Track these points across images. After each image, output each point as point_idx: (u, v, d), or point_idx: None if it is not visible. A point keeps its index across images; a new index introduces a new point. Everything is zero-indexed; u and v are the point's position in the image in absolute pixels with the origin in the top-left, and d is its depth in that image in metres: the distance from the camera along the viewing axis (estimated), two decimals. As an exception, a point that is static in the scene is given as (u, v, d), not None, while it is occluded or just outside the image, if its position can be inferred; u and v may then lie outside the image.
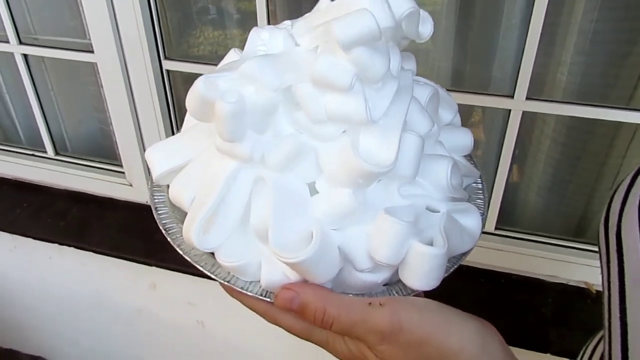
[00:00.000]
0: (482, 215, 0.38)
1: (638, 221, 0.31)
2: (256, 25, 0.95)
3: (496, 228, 1.02)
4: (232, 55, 0.41)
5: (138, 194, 1.21)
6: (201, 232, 0.34)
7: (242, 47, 1.08)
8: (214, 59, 1.09)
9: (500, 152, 0.94)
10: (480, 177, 0.43)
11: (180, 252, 0.36)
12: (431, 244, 0.33)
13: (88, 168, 1.25)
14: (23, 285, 1.43)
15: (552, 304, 0.98)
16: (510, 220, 1.04)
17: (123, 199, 1.24)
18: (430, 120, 0.36)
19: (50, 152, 1.28)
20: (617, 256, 0.33)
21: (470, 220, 0.37)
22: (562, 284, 0.99)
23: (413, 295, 0.34)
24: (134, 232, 1.19)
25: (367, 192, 0.34)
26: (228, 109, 0.31)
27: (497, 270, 1.02)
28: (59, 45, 1.12)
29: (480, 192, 0.42)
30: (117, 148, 1.19)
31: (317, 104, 0.33)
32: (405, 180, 0.35)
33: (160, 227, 0.38)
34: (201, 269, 0.35)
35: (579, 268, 0.97)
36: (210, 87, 0.33)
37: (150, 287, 1.25)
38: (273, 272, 0.34)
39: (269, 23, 0.92)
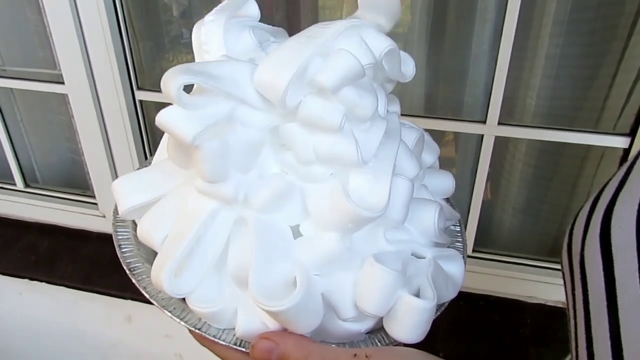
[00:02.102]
0: (463, 259, 0.37)
1: (600, 250, 0.31)
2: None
3: (473, 250, 1.02)
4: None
5: (111, 225, 1.18)
6: (172, 276, 0.31)
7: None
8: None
9: (475, 175, 0.95)
10: (459, 220, 0.42)
11: (147, 296, 0.34)
12: (418, 294, 0.32)
13: (59, 200, 1.22)
14: (-8, 321, 1.38)
15: (530, 324, 0.98)
16: (486, 242, 1.05)
17: (96, 231, 1.21)
18: (418, 164, 0.36)
19: (19, 184, 1.25)
20: (581, 285, 0.33)
21: (454, 267, 0.36)
22: (540, 304, 1.00)
23: (395, 345, 0.33)
24: (107, 265, 1.16)
25: (353, 237, 0.32)
26: (210, 148, 0.29)
27: (476, 292, 1.02)
28: (28, 76, 1.10)
29: (459, 234, 0.41)
30: (90, 179, 1.16)
31: (306, 145, 0.31)
32: (393, 224, 0.34)
33: (124, 267, 0.35)
34: (169, 315, 0.33)
35: (556, 288, 0.98)
36: (186, 121, 0.29)
37: (126, 320, 1.21)
38: (250, 320, 0.32)
39: None
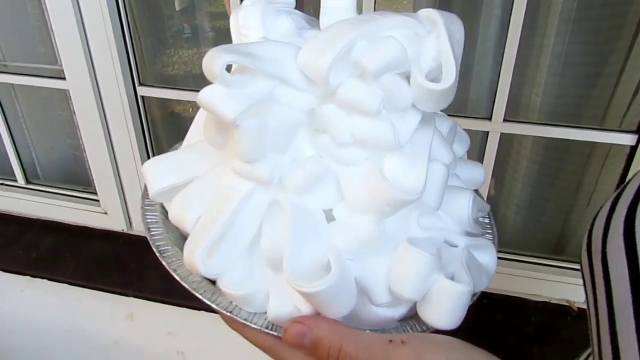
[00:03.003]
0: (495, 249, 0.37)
1: (624, 248, 0.31)
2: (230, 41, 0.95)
3: (477, 248, 1.02)
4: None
5: (113, 222, 1.18)
6: (206, 257, 0.31)
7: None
8: (188, 78, 1.08)
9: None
10: (489, 212, 0.41)
11: (177, 278, 0.33)
12: (453, 280, 0.31)
13: (61, 196, 1.22)
14: (-8, 319, 1.38)
15: (535, 323, 0.98)
16: (491, 239, 1.05)
17: (98, 228, 1.20)
18: (451, 152, 0.35)
19: (20, 180, 1.25)
20: (604, 282, 0.33)
21: (487, 257, 0.35)
22: (544, 302, 1.00)
23: (430, 332, 0.32)
24: (109, 262, 1.15)
25: (386, 222, 0.32)
26: (250, 127, 0.29)
27: (480, 290, 1.02)
28: (29, 71, 1.10)
29: (489, 226, 0.41)
30: (91, 175, 1.16)
31: (343, 127, 0.31)
32: (428, 210, 0.33)
33: (154, 249, 0.35)
34: (200, 297, 0.32)
35: (560, 286, 0.97)
36: (228, 99, 0.29)
37: (128, 318, 1.21)
38: (282, 304, 0.32)
39: None
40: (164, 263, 0.34)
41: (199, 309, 1.04)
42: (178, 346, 1.24)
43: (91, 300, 1.19)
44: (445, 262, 0.32)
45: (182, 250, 0.33)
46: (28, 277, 1.17)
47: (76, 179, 1.26)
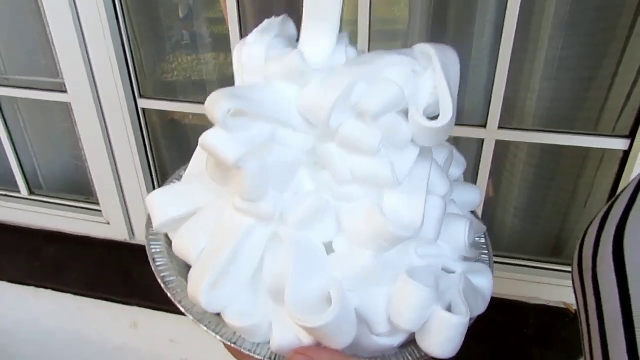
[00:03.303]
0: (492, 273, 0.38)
1: (614, 268, 0.32)
2: (229, 49, 0.96)
3: (476, 252, 1.03)
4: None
5: (115, 232, 1.19)
6: (209, 291, 0.32)
7: (215, 70, 1.06)
8: (188, 85, 1.10)
9: (477, 177, 0.96)
10: (485, 233, 0.42)
11: (182, 310, 0.34)
12: (450, 308, 0.33)
13: (63, 207, 1.23)
14: (-3, 329, 1.39)
15: (534, 325, 0.99)
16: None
17: (100, 237, 1.22)
18: (448, 182, 0.36)
19: (23, 191, 1.26)
20: (595, 300, 0.33)
21: (483, 282, 0.36)
22: (543, 305, 1.01)
23: (426, 358, 0.33)
24: (112, 271, 1.17)
25: (385, 253, 0.33)
26: (251, 169, 0.30)
27: (479, 293, 1.03)
28: (31, 84, 1.11)
29: (485, 247, 0.42)
30: (93, 186, 1.17)
31: (343, 165, 0.32)
32: (426, 241, 0.34)
33: (159, 281, 0.36)
34: (204, 328, 0.33)
35: (558, 289, 0.98)
36: (230, 144, 0.30)
37: (131, 326, 1.22)
38: (285, 335, 0.33)
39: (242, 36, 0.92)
40: (169, 295, 0.35)
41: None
42: (181, 354, 1.25)
43: (94, 309, 1.20)
44: (442, 290, 0.33)
45: (186, 279, 0.34)
46: (32, 287, 1.18)
47: (78, 189, 1.27)
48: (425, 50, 0.32)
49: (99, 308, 1.17)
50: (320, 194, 0.33)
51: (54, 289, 1.15)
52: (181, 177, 0.43)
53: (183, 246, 0.35)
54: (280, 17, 0.36)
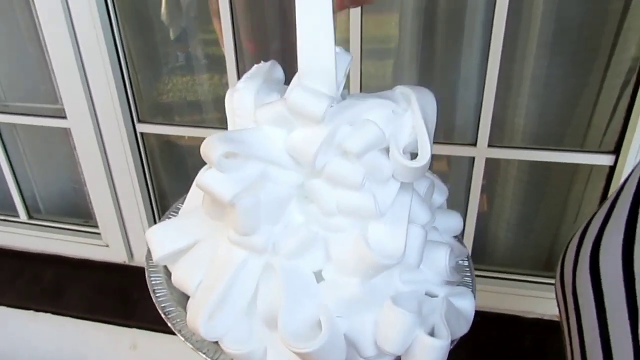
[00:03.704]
0: (473, 295, 0.40)
1: (590, 282, 0.34)
2: (224, 70, 0.99)
3: (470, 267, 1.04)
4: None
5: (114, 254, 1.20)
6: (207, 321, 0.34)
7: (210, 91, 1.07)
8: (183, 106, 1.12)
9: (468, 192, 0.98)
10: (468, 256, 0.45)
11: (182, 338, 0.36)
12: (433, 332, 0.35)
13: (62, 230, 1.24)
14: (-4, 353, 1.39)
15: (529, 339, 1.00)
16: (482, 259, 1.07)
17: (99, 260, 1.23)
18: (429, 211, 0.39)
19: (22, 216, 1.27)
20: (575, 314, 0.35)
21: (465, 304, 0.38)
22: (537, 318, 1.02)
23: None
24: (111, 293, 1.17)
25: (371, 280, 0.35)
26: (245, 206, 0.32)
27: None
28: (30, 111, 1.13)
29: (467, 269, 0.44)
30: (92, 208, 1.19)
31: (329, 199, 0.34)
32: (408, 268, 0.36)
33: (160, 312, 0.38)
34: (203, 356, 0.36)
35: (552, 302, 0.99)
36: (225, 183, 0.33)
37: (131, 348, 1.23)
38: (279, 359, 0.35)
39: (237, 67, 0.94)
40: (169, 324, 0.37)
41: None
42: (181, 374, 1.25)
43: (94, 332, 1.21)
44: (426, 314, 0.35)
45: (185, 309, 0.37)
46: (31, 312, 1.19)
47: (76, 212, 1.28)
48: (405, 92, 0.35)
49: (98, 330, 1.18)
50: (309, 225, 0.36)
51: (53, 313, 1.16)
52: (179, 209, 0.46)
53: (182, 279, 0.38)
54: (269, 63, 0.39)
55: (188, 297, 0.38)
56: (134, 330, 1.12)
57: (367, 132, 0.33)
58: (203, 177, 0.33)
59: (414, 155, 0.34)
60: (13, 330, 1.29)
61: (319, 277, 0.36)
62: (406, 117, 0.35)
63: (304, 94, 0.33)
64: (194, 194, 0.42)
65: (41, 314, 1.18)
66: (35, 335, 1.28)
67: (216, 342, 0.36)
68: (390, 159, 0.34)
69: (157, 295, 0.39)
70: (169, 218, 0.45)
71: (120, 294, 1.16)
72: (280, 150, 0.34)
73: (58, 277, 1.22)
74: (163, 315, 0.38)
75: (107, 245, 1.20)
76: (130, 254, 1.20)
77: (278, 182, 0.35)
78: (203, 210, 0.37)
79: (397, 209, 0.35)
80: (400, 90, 0.36)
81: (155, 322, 1.10)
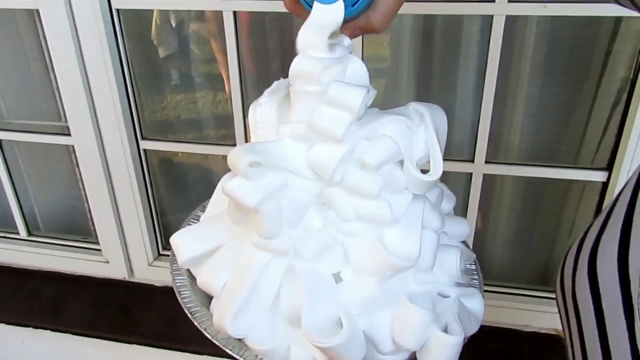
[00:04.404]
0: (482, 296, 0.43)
1: (589, 287, 0.36)
2: (221, 87, 1.01)
3: (468, 282, 1.06)
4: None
5: (114, 271, 1.20)
6: (233, 319, 0.37)
7: (210, 108, 1.09)
8: (182, 124, 1.14)
9: (466, 209, 1.00)
10: (475, 260, 0.47)
11: (208, 336, 0.38)
12: (446, 329, 0.37)
13: (61, 247, 1.25)
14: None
15: (527, 353, 1.02)
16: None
17: (99, 276, 1.23)
18: (440, 217, 0.41)
19: (22, 232, 1.28)
20: (575, 317, 0.37)
21: (475, 304, 0.41)
22: (534, 332, 1.04)
23: None
24: (111, 310, 1.17)
25: (388, 281, 0.37)
26: (268, 211, 0.35)
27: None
28: (33, 128, 1.15)
29: (475, 272, 0.47)
30: (93, 225, 1.19)
31: (347, 206, 0.37)
32: (422, 270, 0.39)
33: (186, 311, 0.40)
34: (230, 352, 0.38)
35: (549, 316, 1.02)
36: (250, 190, 0.35)
37: (130, 365, 1.22)
38: (302, 355, 0.37)
39: (241, 83, 0.97)
40: (195, 323, 0.39)
41: (201, 354, 1.07)
42: (180, 391, 1.25)
43: (94, 349, 1.20)
44: (439, 313, 0.38)
45: (208, 309, 0.39)
46: (30, 329, 1.18)
47: (76, 229, 1.29)
48: (419, 109, 0.38)
49: (98, 347, 1.18)
50: (328, 230, 0.38)
51: (52, 330, 1.16)
52: (198, 217, 0.48)
53: (207, 281, 0.40)
54: (288, 79, 0.42)
55: (210, 299, 0.40)
56: (134, 346, 1.12)
57: (384, 146, 0.36)
58: (229, 184, 0.35)
59: (425, 169, 0.37)
60: (13, 347, 1.29)
61: (337, 278, 0.38)
62: (420, 132, 0.37)
63: (325, 116, 0.35)
64: (216, 201, 0.45)
65: (40, 331, 1.17)
66: (35, 352, 1.28)
67: (241, 340, 0.38)
68: (405, 171, 0.36)
69: (183, 296, 0.41)
70: (189, 224, 0.47)
71: (121, 310, 1.17)
72: (301, 162, 0.37)
73: (58, 294, 1.22)
74: (189, 315, 0.40)
75: (108, 262, 1.20)
76: (131, 270, 1.20)
77: (298, 190, 0.37)
78: (228, 215, 0.39)
79: (411, 215, 0.37)
80: (413, 107, 0.38)
81: (155, 338, 1.11)
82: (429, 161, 0.38)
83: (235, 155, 0.35)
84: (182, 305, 0.40)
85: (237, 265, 0.38)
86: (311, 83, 0.36)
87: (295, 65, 0.37)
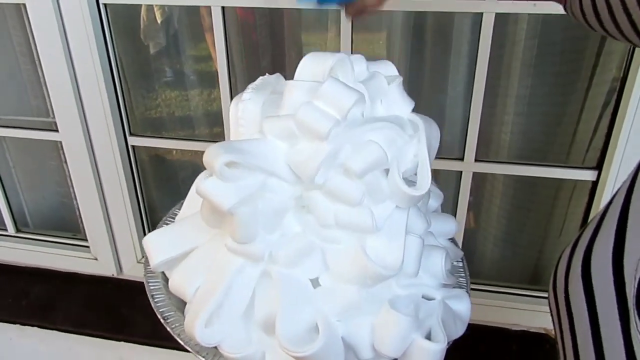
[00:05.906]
0: (469, 296, 0.42)
1: (582, 289, 0.35)
2: (214, 85, 1.00)
3: (458, 281, 1.06)
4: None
5: (103, 268, 1.20)
6: (204, 328, 0.35)
7: (200, 106, 1.08)
8: (174, 120, 1.13)
9: (456, 208, 0.99)
10: (462, 257, 0.46)
11: (181, 342, 0.37)
12: (429, 335, 0.36)
13: (50, 244, 1.24)
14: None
15: (516, 351, 1.02)
16: (469, 272, 1.09)
17: (87, 274, 1.22)
18: (426, 220, 0.40)
19: (11, 229, 1.26)
20: (568, 319, 0.37)
21: (461, 306, 0.40)
22: (523, 331, 1.03)
23: None
24: (99, 307, 1.17)
25: None
26: (243, 214, 0.33)
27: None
28: (21, 124, 1.13)
29: (462, 270, 0.46)
30: (82, 222, 1.18)
31: (328, 212, 0.36)
32: (406, 276, 0.38)
33: (159, 316, 0.39)
34: (202, 359, 0.37)
35: (538, 315, 1.01)
36: (225, 192, 0.34)
37: (118, 363, 1.21)
38: None
39: (230, 82, 0.96)
40: (168, 329, 0.38)
41: (188, 351, 1.06)
42: (169, 389, 1.24)
43: (81, 347, 1.19)
44: (423, 317, 0.37)
45: (183, 313, 0.38)
46: (18, 326, 1.17)
47: (65, 226, 1.28)
48: (414, 120, 0.37)
49: (87, 344, 1.17)
50: (306, 235, 0.37)
51: (40, 327, 1.15)
52: (175, 215, 0.46)
53: (179, 285, 0.39)
54: (274, 75, 0.40)
55: (185, 303, 0.38)
56: (121, 344, 1.11)
57: (369, 153, 0.35)
58: (204, 184, 0.34)
59: (410, 181, 0.36)
60: (1, 344, 1.28)
61: (315, 283, 0.37)
62: (411, 143, 0.36)
63: (313, 112, 0.34)
64: (191, 201, 0.43)
65: (29, 328, 1.16)
66: (23, 349, 1.27)
67: (215, 347, 0.37)
68: (389, 180, 0.35)
69: (156, 300, 0.40)
70: (167, 224, 0.46)
71: (109, 308, 1.16)
72: (281, 162, 0.36)
73: (46, 291, 1.21)
74: (162, 320, 0.39)
75: (96, 259, 1.19)
76: (119, 267, 1.19)
77: (277, 193, 0.36)
78: (201, 218, 0.38)
79: (395, 223, 0.36)
80: (410, 117, 0.37)
81: (143, 336, 1.10)
82: (415, 174, 0.37)
83: (212, 154, 0.33)
84: (155, 309, 0.39)
85: (210, 270, 0.37)
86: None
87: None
